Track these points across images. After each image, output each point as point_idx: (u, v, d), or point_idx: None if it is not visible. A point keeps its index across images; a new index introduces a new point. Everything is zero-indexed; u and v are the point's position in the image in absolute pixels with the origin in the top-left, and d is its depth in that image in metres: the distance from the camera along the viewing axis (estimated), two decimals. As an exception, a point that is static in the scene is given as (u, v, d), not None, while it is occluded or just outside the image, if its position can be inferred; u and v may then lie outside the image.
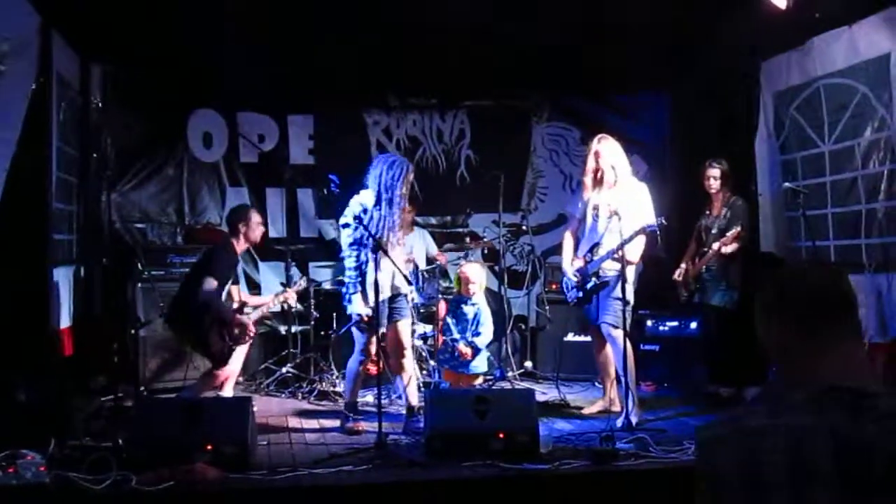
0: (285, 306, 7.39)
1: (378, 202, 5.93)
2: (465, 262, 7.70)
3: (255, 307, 6.83)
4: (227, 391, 6.65)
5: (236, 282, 6.96)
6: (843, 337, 1.76)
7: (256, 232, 6.70)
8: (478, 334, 6.97)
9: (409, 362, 6.34)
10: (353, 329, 6.12)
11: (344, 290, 6.05)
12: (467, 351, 6.93)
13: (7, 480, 4.39)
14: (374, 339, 6.07)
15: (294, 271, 8.27)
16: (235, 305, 6.67)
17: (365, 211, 5.91)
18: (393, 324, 6.13)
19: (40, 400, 5.55)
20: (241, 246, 6.67)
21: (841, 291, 1.80)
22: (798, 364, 1.79)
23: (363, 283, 5.89)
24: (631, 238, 6.08)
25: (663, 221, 6.16)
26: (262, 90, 8.48)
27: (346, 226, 5.94)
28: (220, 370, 6.40)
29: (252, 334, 6.53)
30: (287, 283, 8.12)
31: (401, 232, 6.16)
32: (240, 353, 6.64)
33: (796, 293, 1.81)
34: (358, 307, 5.94)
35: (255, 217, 6.74)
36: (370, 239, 5.76)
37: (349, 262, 5.94)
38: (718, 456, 1.74)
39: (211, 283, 6.23)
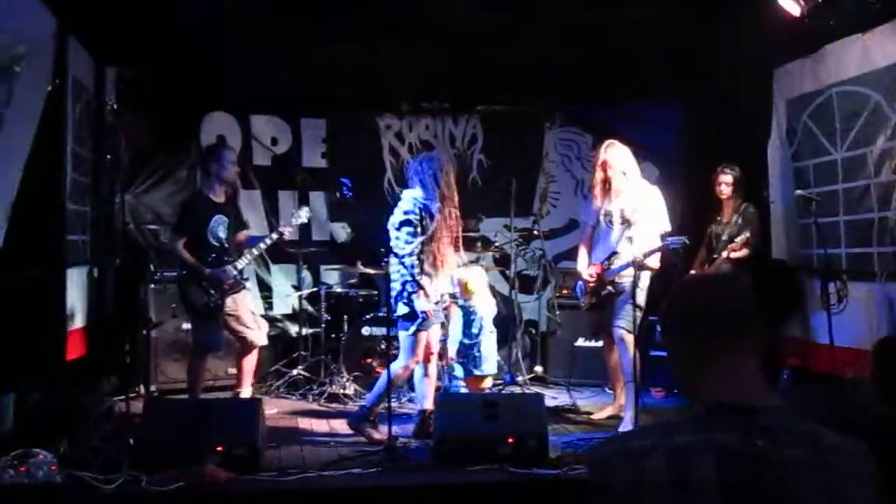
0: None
1: (441, 201, 5.91)
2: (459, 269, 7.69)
3: (240, 245, 6.70)
4: (246, 391, 6.66)
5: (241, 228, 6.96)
6: (732, 351, 1.75)
7: (229, 171, 6.60)
8: (469, 335, 6.98)
9: (435, 368, 6.34)
10: (404, 334, 5.97)
11: (399, 288, 5.89)
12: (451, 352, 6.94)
13: (19, 479, 4.43)
14: (424, 342, 5.99)
15: (305, 273, 8.30)
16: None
17: (424, 207, 5.89)
18: (431, 326, 6.08)
19: (52, 400, 5.58)
20: (217, 193, 6.53)
21: (728, 308, 1.78)
22: (688, 380, 1.79)
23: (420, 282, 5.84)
24: (651, 253, 6.08)
25: (686, 241, 6.16)
26: (274, 93, 8.53)
27: (407, 223, 5.86)
28: (207, 348, 6.46)
29: (228, 285, 6.44)
30: (299, 286, 8.18)
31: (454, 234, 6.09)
32: (252, 358, 6.70)
33: (682, 309, 1.83)
34: (423, 304, 5.84)
35: (227, 154, 6.68)
36: (429, 235, 5.80)
37: (410, 260, 5.82)
38: (607, 476, 1.74)
39: (173, 239, 6.39)
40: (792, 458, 1.62)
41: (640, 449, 1.71)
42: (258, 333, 6.74)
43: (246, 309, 6.72)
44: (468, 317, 6.98)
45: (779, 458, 1.62)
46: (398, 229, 5.90)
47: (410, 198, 5.97)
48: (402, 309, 5.92)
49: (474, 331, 6.97)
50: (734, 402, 1.69)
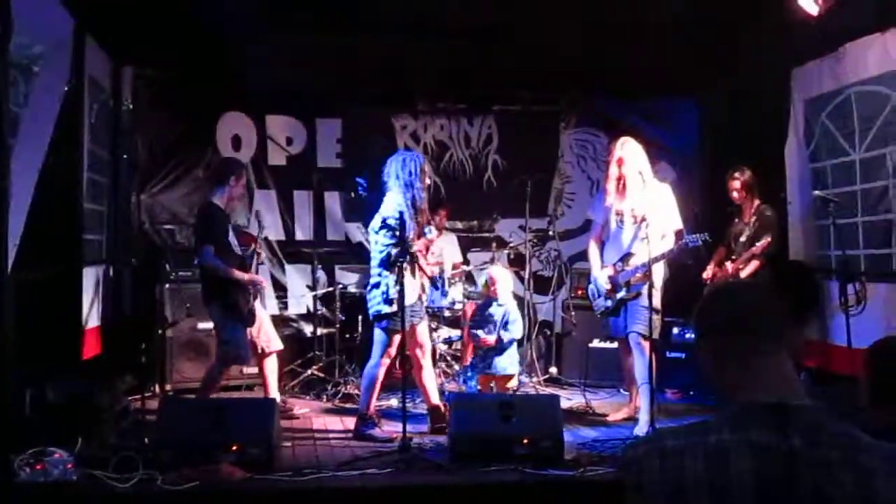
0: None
1: (412, 201, 5.93)
2: (492, 265, 7.65)
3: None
4: (273, 389, 6.58)
5: None
6: (771, 354, 1.77)
7: (241, 189, 6.74)
8: (507, 331, 6.89)
9: (431, 363, 6.35)
10: (378, 332, 6.04)
11: (380, 291, 5.91)
12: (488, 338, 6.75)
13: (35, 478, 4.44)
14: (396, 343, 6.02)
15: (320, 273, 8.30)
16: None
17: (403, 214, 5.88)
18: (418, 324, 6.13)
19: (69, 399, 5.59)
20: (223, 202, 6.41)
21: (758, 314, 1.81)
22: (722, 383, 1.82)
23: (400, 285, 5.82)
24: (668, 254, 6.03)
25: (707, 238, 6.10)
26: (290, 93, 8.54)
27: (387, 227, 5.86)
28: (241, 359, 6.37)
29: (262, 285, 6.65)
30: (313, 287, 8.18)
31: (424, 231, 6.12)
32: (275, 363, 6.67)
33: (724, 312, 1.85)
34: (393, 307, 5.86)
35: (244, 176, 6.77)
36: (404, 240, 5.81)
37: (392, 254, 5.83)
38: (643, 475, 1.75)
39: (208, 250, 6.14)
40: (827, 457, 1.63)
41: (677, 448, 1.72)
42: (277, 338, 6.75)
43: (266, 313, 6.76)
44: (504, 314, 6.86)
45: (814, 458, 1.63)
46: (377, 232, 5.94)
47: (393, 202, 5.94)
48: (377, 308, 5.95)
49: (512, 328, 6.86)
50: (770, 402, 1.71)
